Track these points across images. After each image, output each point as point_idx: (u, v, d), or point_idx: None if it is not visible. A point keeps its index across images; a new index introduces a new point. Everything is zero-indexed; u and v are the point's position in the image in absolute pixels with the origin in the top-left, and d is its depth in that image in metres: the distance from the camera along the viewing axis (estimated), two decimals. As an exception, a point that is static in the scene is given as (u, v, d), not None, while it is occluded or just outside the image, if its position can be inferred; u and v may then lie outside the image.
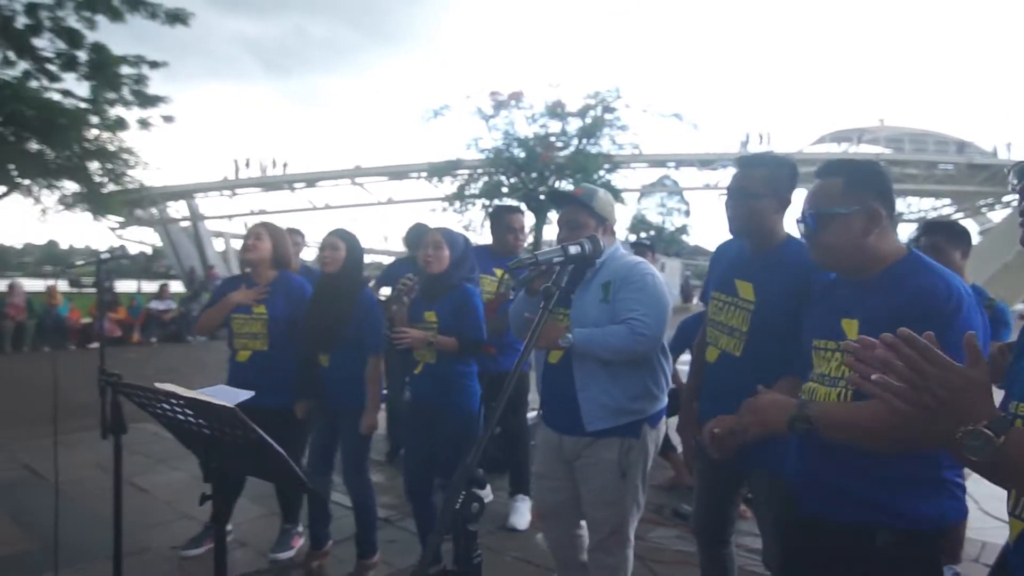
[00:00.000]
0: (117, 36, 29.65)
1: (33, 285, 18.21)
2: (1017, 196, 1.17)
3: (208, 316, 3.56)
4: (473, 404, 3.09)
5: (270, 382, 3.28)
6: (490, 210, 4.26)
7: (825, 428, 1.50)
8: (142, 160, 20.81)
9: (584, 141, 23.78)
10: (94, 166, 19.98)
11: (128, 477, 4.56)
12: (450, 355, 3.02)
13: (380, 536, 3.42)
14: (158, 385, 1.80)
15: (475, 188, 25.26)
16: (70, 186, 20.97)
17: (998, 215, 35.02)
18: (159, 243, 40.19)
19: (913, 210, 40.52)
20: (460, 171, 25.84)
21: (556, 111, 23.56)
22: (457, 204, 25.15)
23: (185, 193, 37.59)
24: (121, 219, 29.53)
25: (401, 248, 5.24)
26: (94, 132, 19.01)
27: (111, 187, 21.21)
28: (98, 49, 16.70)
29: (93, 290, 14.00)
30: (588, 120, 23.61)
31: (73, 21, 16.23)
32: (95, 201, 20.99)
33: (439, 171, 26.04)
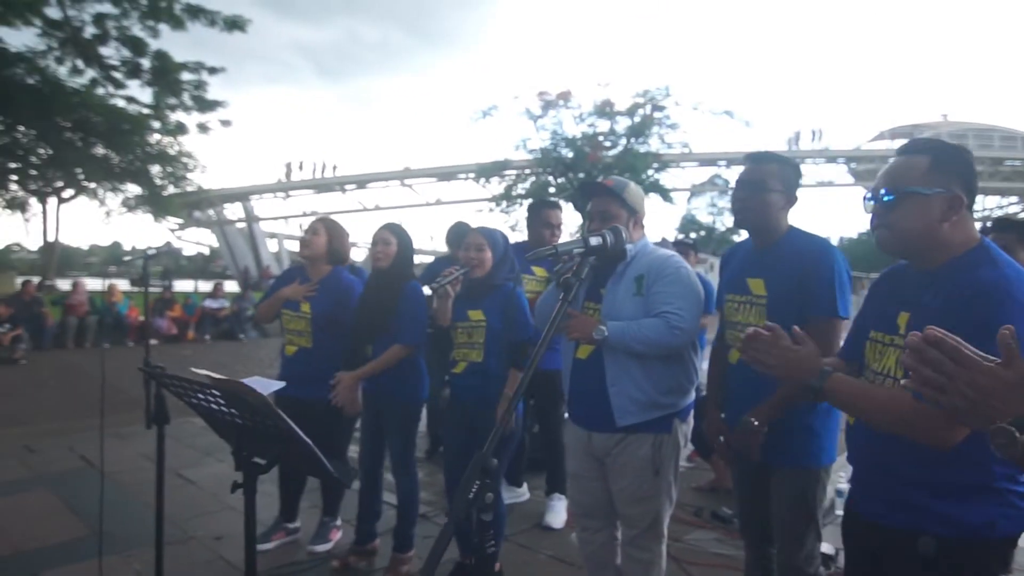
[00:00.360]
0: (178, 44, 30.76)
1: (97, 285, 18.99)
2: None
3: (263, 308, 3.71)
4: (523, 404, 3.09)
5: (314, 375, 3.36)
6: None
7: (833, 399, 1.53)
8: (201, 163, 21.61)
9: (633, 140, 23.54)
10: (155, 169, 20.82)
11: (177, 468, 4.76)
12: (496, 354, 3.00)
13: (417, 531, 3.44)
14: (193, 370, 1.85)
15: (522, 188, 25.28)
16: (133, 189, 21.92)
17: (1070, 214, 33.43)
18: (216, 244, 41.44)
19: (977, 208, 38.92)
20: (508, 172, 25.89)
21: (605, 110, 23.37)
22: (504, 204, 25.20)
23: (241, 195, 38.70)
24: (180, 221, 30.60)
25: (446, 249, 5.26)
26: (156, 137, 19.79)
27: (171, 190, 22.05)
28: (160, 56, 17.35)
29: (152, 288, 14.56)
30: (637, 119, 23.35)
31: (137, 30, 16.91)
32: (156, 203, 21.84)
33: (487, 172, 26.13)
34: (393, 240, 3.27)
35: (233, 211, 40.00)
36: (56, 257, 25.88)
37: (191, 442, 5.54)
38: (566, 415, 4.08)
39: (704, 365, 2.72)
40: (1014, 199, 36.84)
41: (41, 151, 19.04)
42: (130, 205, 22.84)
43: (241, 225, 40.39)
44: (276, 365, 3.69)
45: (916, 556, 1.49)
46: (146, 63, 17.39)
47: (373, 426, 3.37)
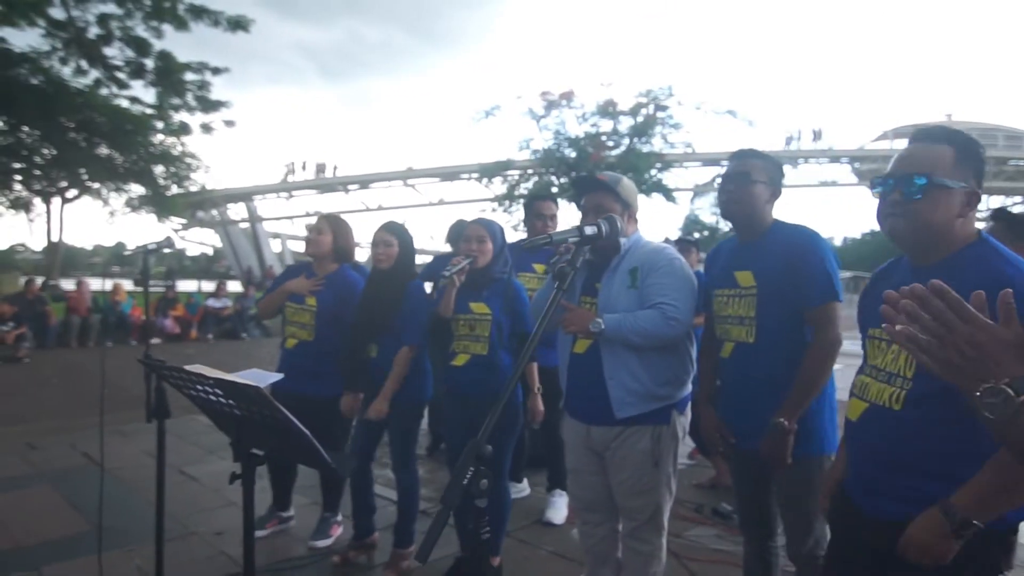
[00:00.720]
0: (182, 44, 30.85)
1: (101, 284, 19.02)
2: None
3: (266, 301, 3.74)
4: (519, 395, 3.10)
5: (313, 370, 3.39)
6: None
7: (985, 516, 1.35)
8: (204, 164, 21.69)
9: (636, 140, 23.50)
10: (159, 170, 20.90)
11: (179, 465, 4.77)
12: (499, 347, 3.02)
13: (418, 528, 3.44)
14: (187, 367, 1.86)
15: (525, 188, 25.26)
16: (136, 189, 22.01)
17: (1075, 214, 33.30)
18: (219, 244, 41.52)
19: (981, 208, 38.80)
20: (510, 172, 25.88)
21: (607, 110, 23.33)
22: (507, 204, 25.18)
23: (244, 195, 38.78)
24: (184, 221, 30.70)
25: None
26: (159, 137, 19.86)
27: (175, 190, 22.12)
28: (164, 57, 17.43)
29: (155, 288, 14.57)
30: (640, 119, 23.31)
31: (141, 31, 16.99)
32: (160, 203, 21.92)
33: (490, 172, 26.13)
34: (394, 241, 3.27)
35: (236, 211, 40.10)
36: (60, 257, 25.97)
37: (195, 440, 5.56)
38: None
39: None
40: (1018, 199, 36.70)
41: (45, 151, 19.15)
42: (134, 205, 22.93)
43: (244, 225, 40.48)
44: (277, 361, 3.68)
45: None
46: (150, 63, 17.49)
47: (370, 423, 3.37)
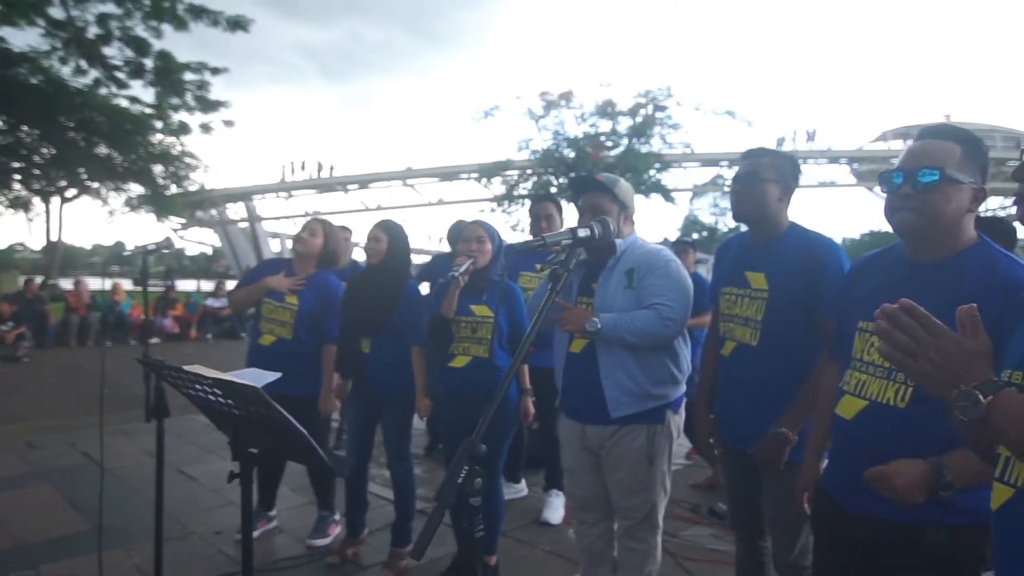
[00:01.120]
0: (181, 44, 30.86)
1: (100, 284, 19.03)
2: None
3: (244, 293, 3.67)
4: (514, 395, 3.12)
5: (290, 369, 3.38)
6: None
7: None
8: (203, 163, 21.69)
9: (635, 140, 23.51)
10: (158, 169, 20.91)
11: (178, 465, 4.79)
12: (499, 349, 3.04)
13: (415, 527, 3.46)
14: (186, 367, 1.88)
15: (524, 189, 25.27)
16: (135, 189, 22.02)
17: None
18: (218, 244, 41.53)
19: (981, 209, 38.85)
20: (509, 172, 25.89)
21: (606, 110, 23.34)
22: (506, 204, 25.19)
23: (243, 195, 38.80)
24: (183, 220, 30.71)
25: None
26: (159, 137, 19.86)
27: (174, 189, 22.12)
28: (163, 57, 17.42)
29: (154, 288, 14.59)
30: (639, 119, 23.32)
31: (141, 30, 16.99)
32: (159, 203, 21.93)
33: (489, 172, 26.13)
34: (384, 237, 3.31)
35: (236, 211, 40.14)
36: (59, 256, 25.99)
37: (194, 439, 5.57)
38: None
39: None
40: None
41: (44, 151, 19.15)
42: (133, 205, 22.94)
43: (244, 225, 40.52)
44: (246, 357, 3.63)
45: (921, 547, 1.49)
46: (149, 63, 17.49)
47: (364, 420, 3.40)
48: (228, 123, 19.88)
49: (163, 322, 13.38)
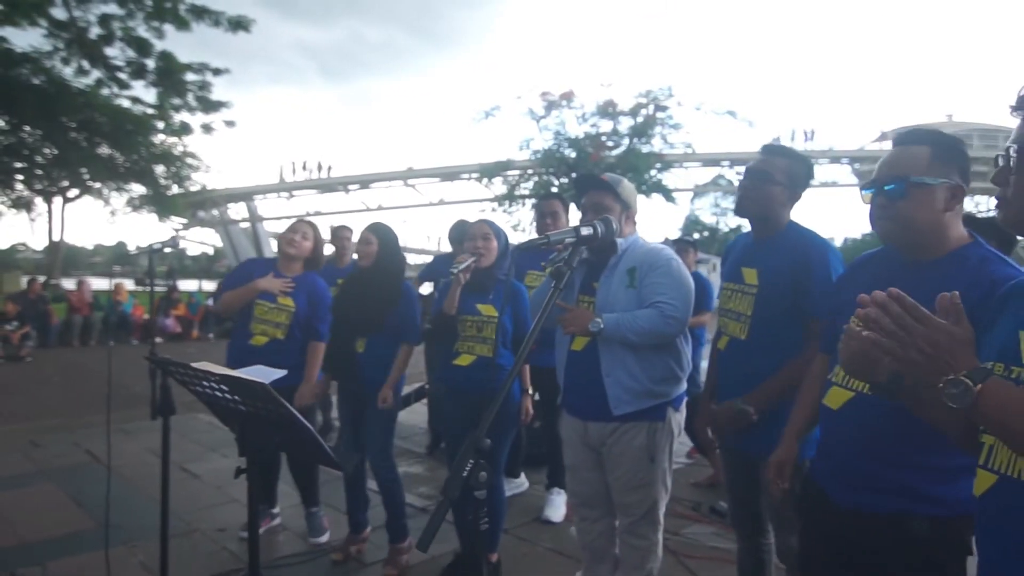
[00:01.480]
0: (183, 44, 30.89)
1: (102, 284, 19.07)
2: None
3: (234, 296, 3.58)
4: (516, 393, 3.14)
5: (284, 364, 3.40)
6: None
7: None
8: (205, 164, 21.73)
9: (636, 140, 23.50)
10: (160, 169, 20.94)
11: (181, 463, 4.81)
12: (503, 348, 3.06)
13: (417, 525, 3.49)
14: (193, 364, 1.90)
15: (525, 188, 25.29)
16: (137, 189, 22.06)
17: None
18: (220, 244, 41.56)
19: (982, 209, 38.87)
20: (510, 172, 25.90)
21: (607, 110, 23.34)
22: (507, 204, 25.20)
23: (245, 195, 38.84)
24: (184, 220, 30.71)
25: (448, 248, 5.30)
26: (160, 137, 19.88)
27: (175, 190, 22.16)
28: (165, 57, 17.44)
29: (157, 288, 14.62)
30: (640, 119, 23.32)
31: (142, 31, 16.99)
32: (160, 203, 21.97)
33: (490, 172, 26.14)
34: (374, 240, 3.34)
35: (237, 211, 40.17)
36: (61, 256, 26.04)
37: (196, 438, 5.59)
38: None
39: (704, 364, 2.76)
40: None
41: (46, 151, 19.19)
42: (134, 205, 22.99)
43: (245, 225, 40.55)
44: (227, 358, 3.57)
45: (905, 538, 1.52)
46: (151, 64, 17.50)
47: (353, 417, 3.43)
48: (229, 123, 19.92)
49: (165, 322, 13.40)
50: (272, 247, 40.19)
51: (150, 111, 18.63)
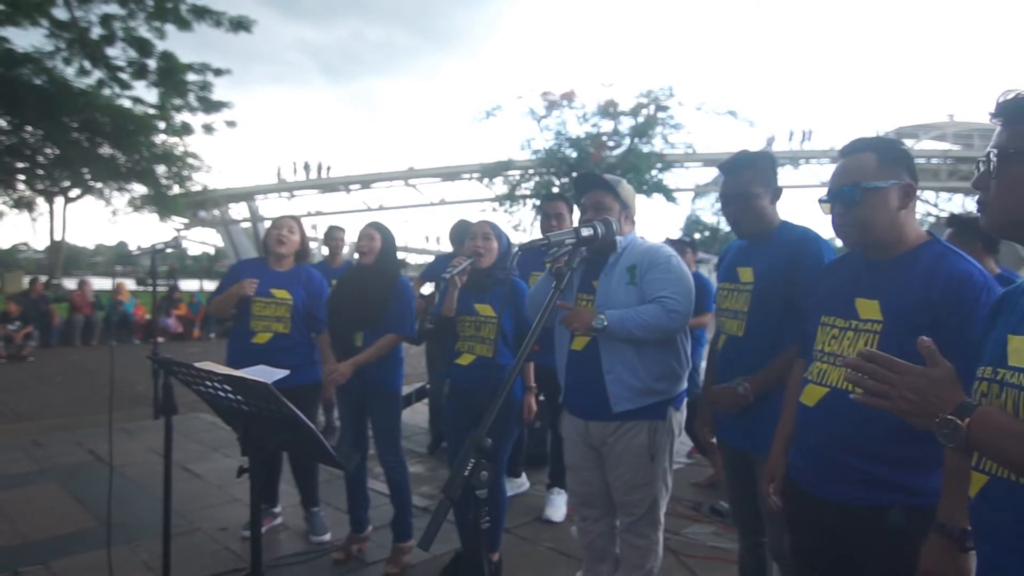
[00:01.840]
0: (184, 45, 30.90)
1: (104, 284, 19.09)
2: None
3: (220, 302, 3.66)
4: (518, 393, 3.16)
5: (289, 363, 3.42)
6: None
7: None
8: (206, 164, 21.72)
9: (636, 140, 23.52)
10: (161, 169, 20.92)
11: (183, 463, 4.83)
12: (503, 348, 3.08)
13: (419, 524, 3.49)
14: (197, 364, 1.92)
15: (526, 188, 25.30)
16: (138, 189, 22.03)
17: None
18: (221, 243, 41.57)
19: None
20: (511, 172, 25.91)
21: (608, 110, 23.36)
22: (507, 204, 25.22)
23: (246, 195, 38.84)
24: (186, 220, 30.75)
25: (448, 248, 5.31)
26: (161, 137, 19.86)
27: (176, 189, 22.13)
28: (166, 57, 17.40)
29: (159, 287, 14.61)
30: (641, 119, 23.33)
31: (144, 31, 16.95)
32: (161, 203, 21.95)
33: (491, 172, 26.16)
34: (377, 236, 3.38)
35: (238, 211, 40.18)
36: (62, 256, 26.03)
37: (198, 437, 5.61)
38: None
39: (704, 364, 2.78)
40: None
41: (48, 151, 19.18)
42: (136, 205, 22.97)
43: (246, 225, 40.55)
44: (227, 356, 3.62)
45: (883, 529, 1.59)
46: (152, 64, 17.45)
47: (354, 415, 3.44)
48: (230, 123, 19.85)
49: (167, 321, 13.42)
50: (273, 247, 40.27)
51: (151, 111, 18.60)
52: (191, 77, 18.02)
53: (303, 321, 3.59)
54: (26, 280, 15.29)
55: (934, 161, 37.36)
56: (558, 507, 4.00)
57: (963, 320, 1.51)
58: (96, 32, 16.64)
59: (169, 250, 3.11)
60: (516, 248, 2.69)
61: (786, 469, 1.88)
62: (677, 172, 27.56)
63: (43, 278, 15.70)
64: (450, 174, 36.80)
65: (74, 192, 22.96)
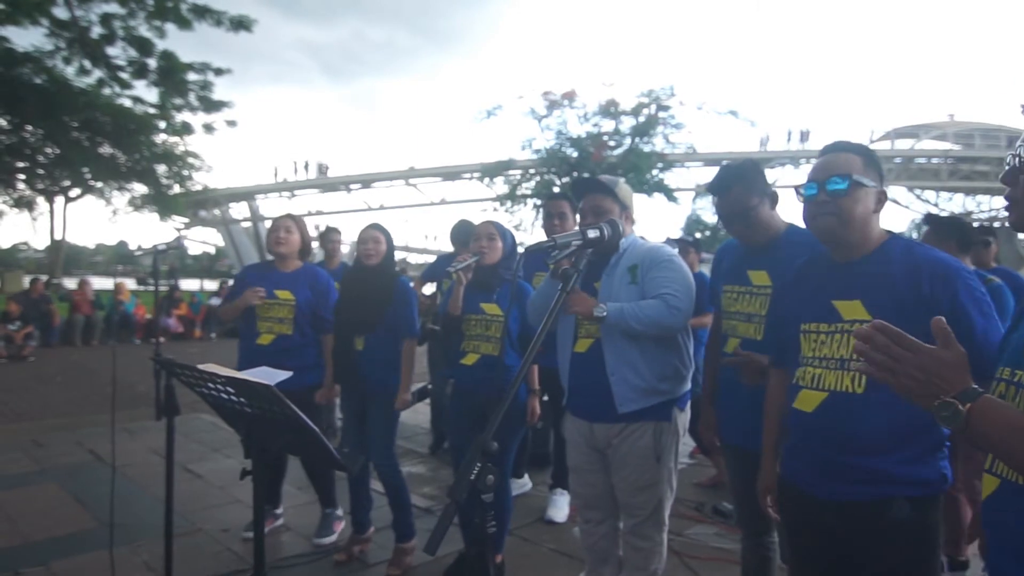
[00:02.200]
0: (184, 44, 30.88)
1: (104, 284, 19.09)
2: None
3: (228, 311, 3.72)
4: (523, 394, 3.15)
5: (293, 364, 3.41)
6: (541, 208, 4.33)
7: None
8: (206, 163, 21.72)
9: (637, 140, 23.55)
10: (161, 169, 20.92)
11: (184, 463, 4.82)
12: (509, 347, 3.07)
13: (421, 525, 3.49)
14: (200, 366, 1.90)
15: (527, 188, 25.30)
16: (139, 188, 22.05)
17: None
18: (221, 243, 41.54)
19: (984, 209, 38.83)
20: (512, 171, 25.92)
21: (609, 110, 23.39)
22: (508, 204, 25.22)
23: (246, 195, 38.81)
24: (186, 220, 30.72)
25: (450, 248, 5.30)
26: (162, 136, 19.86)
27: (177, 189, 22.13)
28: (167, 57, 17.39)
29: (160, 287, 14.59)
30: (641, 119, 23.36)
31: (144, 30, 16.94)
32: (162, 203, 21.96)
33: (491, 171, 26.18)
34: (383, 238, 3.37)
35: (238, 210, 40.15)
36: (63, 256, 26.05)
37: (199, 437, 5.59)
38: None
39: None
40: (1020, 199, 36.64)
41: (48, 150, 19.19)
42: (136, 204, 23.00)
43: (246, 224, 40.52)
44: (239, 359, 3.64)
45: (888, 522, 1.61)
46: (152, 63, 17.44)
47: (357, 418, 3.43)
48: (231, 123, 19.84)
49: (167, 321, 13.41)
50: (274, 246, 40.24)
51: (152, 111, 18.60)
52: (191, 76, 18.01)
53: (308, 322, 3.57)
54: (27, 280, 15.29)
55: (934, 161, 37.35)
56: (561, 508, 3.99)
57: (952, 306, 1.57)
58: (96, 31, 16.64)
59: (174, 250, 3.11)
60: (521, 250, 2.69)
61: (781, 472, 1.88)
62: (678, 172, 27.64)
63: (43, 278, 15.68)
64: (451, 174, 36.76)
65: (74, 191, 22.99)
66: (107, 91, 17.65)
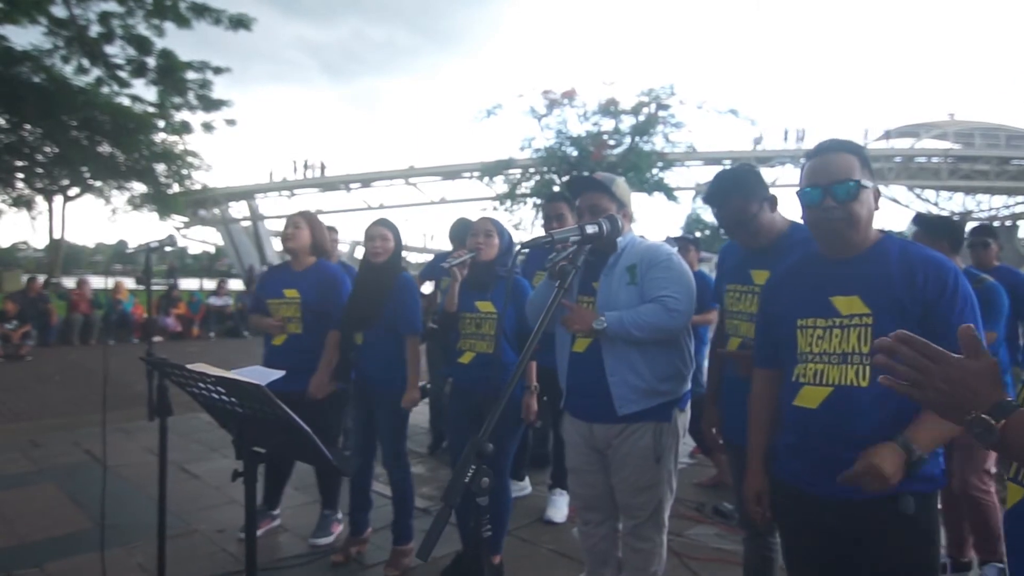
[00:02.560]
0: (184, 43, 30.86)
1: (102, 283, 19.06)
2: None
3: (254, 322, 3.76)
4: (518, 393, 3.11)
5: (305, 365, 3.39)
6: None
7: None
8: (205, 162, 21.72)
9: (637, 139, 23.54)
10: (161, 168, 20.91)
11: (181, 463, 4.79)
12: (504, 345, 3.04)
13: (418, 526, 3.46)
14: (189, 366, 1.87)
15: (527, 187, 25.28)
16: (138, 187, 22.05)
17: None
18: (221, 242, 41.51)
19: (984, 208, 38.82)
20: (512, 170, 25.90)
21: (609, 109, 23.39)
22: (508, 203, 25.20)
23: (246, 194, 38.74)
24: (185, 219, 30.72)
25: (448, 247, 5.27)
26: (161, 135, 19.86)
27: (176, 188, 22.12)
28: (166, 55, 17.39)
29: (157, 286, 14.59)
30: (641, 117, 23.35)
31: (143, 29, 16.94)
32: (161, 202, 21.95)
33: (491, 171, 26.16)
34: (390, 235, 3.34)
35: (238, 209, 40.06)
36: (62, 255, 26.02)
37: (196, 437, 5.57)
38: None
39: (706, 363, 2.74)
40: (1020, 198, 36.66)
41: (47, 149, 19.19)
42: (135, 203, 22.98)
43: (246, 223, 40.45)
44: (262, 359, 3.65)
45: (895, 517, 1.60)
46: (151, 62, 17.44)
47: (363, 418, 3.40)
48: (230, 122, 19.84)
49: (166, 321, 13.39)
50: (273, 245, 40.24)
51: (151, 109, 18.60)
52: (190, 75, 18.01)
53: (316, 320, 3.51)
54: (24, 279, 15.26)
55: (934, 160, 37.32)
56: (560, 508, 3.96)
57: (948, 303, 1.60)
58: (95, 30, 16.64)
59: (168, 248, 3.08)
60: (518, 246, 2.66)
61: (777, 473, 1.86)
62: (678, 171, 27.59)
63: (41, 277, 15.64)
64: (450, 173, 36.69)
65: (73, 190, 22.96)
66: (106, 90, 17.66)
